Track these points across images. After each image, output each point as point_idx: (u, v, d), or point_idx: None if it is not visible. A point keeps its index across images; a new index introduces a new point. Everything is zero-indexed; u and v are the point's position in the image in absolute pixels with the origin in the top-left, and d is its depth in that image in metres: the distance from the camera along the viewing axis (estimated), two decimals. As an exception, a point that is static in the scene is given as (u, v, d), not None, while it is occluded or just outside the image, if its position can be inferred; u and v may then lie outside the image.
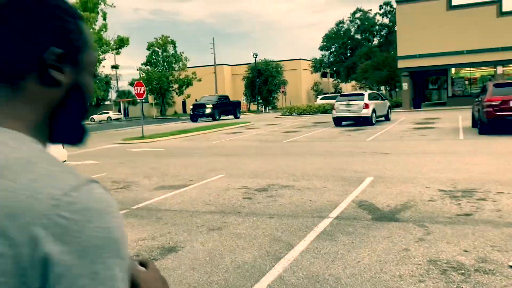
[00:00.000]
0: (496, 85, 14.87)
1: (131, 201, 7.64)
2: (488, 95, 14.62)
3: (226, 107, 39.28)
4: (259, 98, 57.53)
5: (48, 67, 0.71)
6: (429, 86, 45.63)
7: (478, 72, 35.41)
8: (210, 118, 37.16)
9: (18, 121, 0.70)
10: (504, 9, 31.70)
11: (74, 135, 0.79)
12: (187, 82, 54.67)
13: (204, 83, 60.37)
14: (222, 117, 38.30)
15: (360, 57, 51.72)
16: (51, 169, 0.65)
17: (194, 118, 37.23)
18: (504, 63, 31.82)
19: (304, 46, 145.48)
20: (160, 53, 55.16)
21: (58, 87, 0.73)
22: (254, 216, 6.22)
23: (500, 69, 31.94)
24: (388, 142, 14.30)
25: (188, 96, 56.63)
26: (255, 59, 55.50)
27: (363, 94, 22.21)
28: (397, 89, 48.06)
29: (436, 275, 3.90)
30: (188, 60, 56.47)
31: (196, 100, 40.37)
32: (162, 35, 55.48)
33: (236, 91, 68.51)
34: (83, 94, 0.78)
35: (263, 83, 57.23)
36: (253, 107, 61.25)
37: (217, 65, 62.61)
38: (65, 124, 0.77)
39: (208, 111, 36.99)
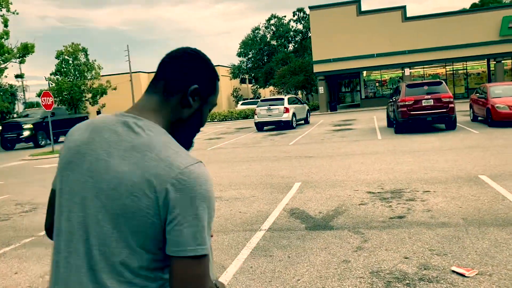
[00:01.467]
0: (409, 86, 15.51)
1: (37, 227, 6.73)
2: (402, 95, 15.21)
3: (62, 125, 24.46)
4: (178, 106, 56.30)
5: (188, 94, 1.26)
6: (342, 89, 47.50)
7: (387, 74, 37.34)
8: (31, 143, 24.83)
9: (161, 120, 1.22)
10: (408, 14, 33.73)
11: (185, 145, 1.30)
12: (101, 91, 52.16)
13: (120, 91, 57.89)
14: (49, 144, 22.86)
15: (277, 63, 52.53)
16: (177, 151, 1.15)
17: (7, 144, 24.49)
18: (410, 65, 33.79)
19: (221, 53, 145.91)
20: (70, 62, 52.11)
21: (189, 108, 1.27)
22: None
23: (407, 71, 33.89)
24: (310, 145, 14.33)
25: (103, 105, 54.07)
26: (173, 66, 54.35)
27: (283, 99, 22.31)
28: (313, 93, 49.45)
29: (381, 288, 3.64)
30: (102, 68, 53.80)
31: (50, 115, 20.93)
32: (72, 43, 52.48)
33: (154, 99, 66.63)
34: (201, 119, 1.33)
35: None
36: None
37: (133, 72, 60.44)
38: (183, 134, 1.30)
39: (26, 133, 23.98)
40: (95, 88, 52.92)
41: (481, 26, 31.78)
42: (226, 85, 68.47)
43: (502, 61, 32.59)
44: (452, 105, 14.69)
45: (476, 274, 3.72)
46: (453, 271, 3.81)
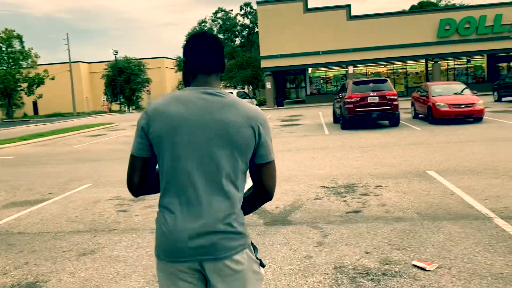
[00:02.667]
0: (356, 83, 15.87)
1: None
2: (348, 92, 15.54)
3: None
4: (121, 97, 54.62)
5: (224, 68, 1.88)
6: (288, 85, 48.02)
7: (332, 72, 38.16)
8: None
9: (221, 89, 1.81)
10: (353, 13, 34.59)
11: None
12: (38, 81, 49.57)
13: (58, 82, 55.27)
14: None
15: (224, 57, 52.22)
16: (249, 104, 1.82)
17: None
18: (354, 63, 34.73)
19: (167, 45, 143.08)
20: (4, 49, 49.07)
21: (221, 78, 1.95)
22: (133, 233, 5.42)
23: (351, 69, 34.80)
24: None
25: (40, 96, 51.41)
26: (116, 57, 52.54)
27: (231, 93, 22.11)
28: (259, 88, 49.64)
29: (346, 284, 3.62)
30: (39, 57, 51.25)
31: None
32: (6, 29, 49.44)
33: (95, 90, 64.26)
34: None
35: (125, 81, 54.46)
36: (115, 107, 58.04)
37: (72, 62, 57.83)
38: None
39: None
40: (31, 78, 50.22)
41: (420, 27, 33.19)
42: (171, 78, 67.26)
43: (439, 62, 34.25)
44: (396, 103, 15.20)
45: (436, 268, 3.79)
46: (414, 265, 3.87)
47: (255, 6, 57.31)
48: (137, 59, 56.99)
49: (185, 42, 1.88)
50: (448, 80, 35.49)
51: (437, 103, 15.28)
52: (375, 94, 15.19)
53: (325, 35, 34.09)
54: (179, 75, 66.58)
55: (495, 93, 24.70)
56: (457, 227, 4.79)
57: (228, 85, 46.66)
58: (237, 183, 1.76)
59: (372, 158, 9.53)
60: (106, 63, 57.15)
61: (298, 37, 34.29)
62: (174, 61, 64.82)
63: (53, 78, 50.18)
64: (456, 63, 36.67)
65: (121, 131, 22.58)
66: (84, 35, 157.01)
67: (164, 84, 64.93)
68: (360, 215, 5.49)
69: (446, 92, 16.30)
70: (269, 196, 1.85)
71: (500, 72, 36.33)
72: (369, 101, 15.15)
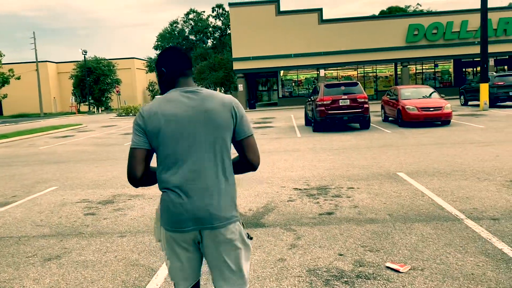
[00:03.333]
0: (327, 86, 15.99)
1: None
2: (320, 95, 15.64)
3: None
4: (90, 98, 53.49)
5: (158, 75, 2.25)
6: (260, 88, 48.07)
7: (304, 75, 38.42)
8: None
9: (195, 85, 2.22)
10: (324, 17, 34.92)
11: None
12: (3, 80, 47.98)
13: (25, 82, 53.76)
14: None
15: (195, 58, 51.89)
16: (223, 94, 2.15)
17: None
18: (325, 66, 35.05)
19: (137, 45, 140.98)
20: (-35, 46, 47.26)
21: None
22: (101, 236, 5.24)
23: (322, 72, 35.11)
24: (233, 142, 14.21)
25: (5, 96, 49.77)
26: (85, 56, 51.46)
27: (203, 94, 21.99)
28: (232, 90, 49.53)
29: (320, 287, 3.58)
30: (3, 55, 49.60)
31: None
32: (-32, 26, 47.68)
33: (63, 91, 62.76)
34: None
35: (94, 82, 53.37)
36: (84, 108, 56.80)
37: (39, 62, 56.31)
38: None
39: None
40: (-4, 77, 48.53)
41: (390, 32, 33.81)
42: (141, 79, 66.36)
43: (408, 66, 34.96)
44: (367, 106, 15.38)
45: (409, 270, 3.80)
46: (388, 267, 3.86)
47: (227, 8, 57.20)
48: (106, 59, 55.98)
49: (159, 57, 2.22)
50: (416, 84, 36.26)
51: (407, 106, 15.55)
52: (346, 97, 15.33)
53: (297, 38, 34.31)
54: (150, 76, 65.79)
55: (462, 97, 25.37)
56: (429, 228, 4.83)
57: (200, 86, 46.45)
58: (225, 159, 2.10)
59: (344, 160, 9.58)
60: (74, 63, 55.90)
61: (270, 40, 34.38)
62: (144, 62, 63.99)
63: (18, 78, 48.72)
64: (424, 67, 37.53)
65: (90, 132, 22.07)
66: (52, 34, 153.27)
67: (134, 85, 63.98)
68: (333, 216, 5.48)
69: (415, 96, 16.62)
70: (253, 167, 2.20)
71: (466, 76, 37.40)
72: (340, 104, 15.29)
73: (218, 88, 48.97)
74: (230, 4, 35.58)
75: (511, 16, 33.31)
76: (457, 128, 14.35)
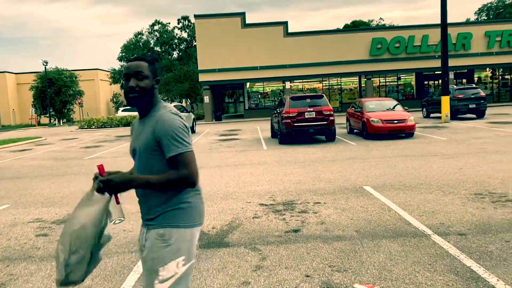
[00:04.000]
0: (293, 98, 15.96)
1: None
2: (286, 107, 15.58)
3: None
4: (51, 110, 51.89)
5: (157, 83, 2.38)
6: (226, 100, 47.94)
7: (270, 87, 38.56)
8: None
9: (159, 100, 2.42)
10: (290, 30, 35.23)
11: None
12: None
13: (-20, 93, 51.57)
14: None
15: (161, 70, 51.33)
16: (162, 114, 2.26)
17: None
18: (291, 79, 35.29)
19: (101, 57, 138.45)
20: None
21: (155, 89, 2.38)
22: (54, 260, 4.87)
23: (288, 84, 35.32)
24: (198, 155, 13.93)
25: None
26: (45, 67, 49.99)
27: (167, 107, 21.60)
28: (197, 102, 49.16)
29: (286, 313, 3.37)
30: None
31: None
32: None
33: (23, 102, 60.70)
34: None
35: (56, 93, 51.84)
36: (45, 120, 55.04)
37: (-3, 72, 54.30)
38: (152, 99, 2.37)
39: None
40: (-51, 88, 46.47)
41: (354, 45, 34.43)
42: (105, 90, 65.04)
43: (372, 78, 35.63)
44: (332, 118, 15.42)
45: (378, 291, 3.65)
46: (356, 289, 3.70)
47: (193, 20, 57.03)
48: (68, 70, 54.55)
49: (157, 64, 2.39)
50: (380, 96, 36.98)
51: (371, 119, 15.69)
52: (312, 109, 15.34)
53: (263, 51, 34.44)
54: (114, 87, 64.57)
55: (424, 110, 25.96)
56: (397, 245, 4.72)
57: (165, 98, 45.79)
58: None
59: (310, 174, 9.47)
60: (35, 74, 54.21)
61: (236, 52, 34.37)
62: (108, 73, 62.80)
63: (-26, 89, 46.77)
64: (387, 80, 38.33)
65: (49, 145, 21.26)
66: (10, 44, 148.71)
67: (98, 96, 62.61)
68: (299, 234, 5.30)
69: (379, 108, 16.82)
70: (187, 182, 2.20)
71: (428, 89, 38.43)
72: (306, 116, 15.27)
73: (183, 100, 48.51)
74: (196, 16, 35.42)
75: (468, 31, 34.53)
76: (421, 140, 14.55)
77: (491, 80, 38.48)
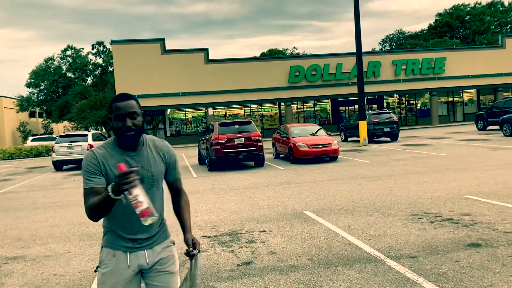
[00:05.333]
0: (221, 125, 15.81)
1: None
2: (215, 133, 15.38)
3: None
4: None
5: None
6: (144, 126, 46.69)
7: (192, 113, 38.19)
8: None
9: None
10: (210, 57, 35.38)
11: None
12: None
13: None
14: None
15: (74, 96, 48.86)
16: (160, 141, 2.56)
17: None
18: (213, 105, 35.25)
19: (6, 83, 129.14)
20: None
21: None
22: (-27, 317, 4.17)
23: (210, 111, 35.22)
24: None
25: None
26: None
27: (86, 135, 20.46)
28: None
29: None
30: None
31: None
32: None
33: None
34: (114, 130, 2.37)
35: (-47, 123, 47.17)
36: None
37: None
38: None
39: None
40: None
41: (274, 73, 35.34)
42: (10, 119, 60.49)
43: (291, 105, 36.66)
44: (261, 144, 15.47)
45: (350, 323, 3.50)
46: (328, 323, 3.53)
47: (108, 45, 55.32)
48: (-32, 97, 50.06)
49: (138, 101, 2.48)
50: (299, 121, 38.12)
51: (298, 144, 15.97)
52: (241, 135, 15.28)
53: (184, 77, 34.15)
54: (21, 115, 60.32)
55: (342, 134, 27.09)
56: (354, 272, 4.65)
57: (79, 126, 43.53)
58: None
59: (247, 201, 9.29)
60: None
61: (156, 78, 33.73)
62: (14, 100, 58.63)
63: None
64: (305, 106, 39.69)
65: None
66: None
67: (2, 126, 57.98)
68: (252, 267, 5.06)
69: (304, 133, 17.21)
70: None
71: (342, 114, 40.33)
72: (235, 142, 15.17)
73: (99, 128, 46.46)
74: (113, 41, 34.37)
75: (378, 60, 36.97)
76: (345, 164, 15.03)
77: (398, 105, 41.36)
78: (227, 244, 6.07)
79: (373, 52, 39.55)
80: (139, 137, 2.33)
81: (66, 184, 14.60)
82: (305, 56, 38.35)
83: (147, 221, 2.05)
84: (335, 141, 16.25)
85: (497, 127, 25.87)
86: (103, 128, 46.08)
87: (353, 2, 22.93)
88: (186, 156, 23.09)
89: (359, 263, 4.92)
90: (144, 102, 33.70)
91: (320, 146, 15.88)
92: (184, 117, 38.15)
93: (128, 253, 2.37)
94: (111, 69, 54.74)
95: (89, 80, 58.35)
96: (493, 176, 10.29)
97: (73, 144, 19.66)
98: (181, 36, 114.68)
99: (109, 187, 2.04)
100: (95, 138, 20.80)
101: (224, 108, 37.66)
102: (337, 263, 4.98)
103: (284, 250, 5.61)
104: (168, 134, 37.59)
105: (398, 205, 7.85)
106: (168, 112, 37.51)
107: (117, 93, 33.91)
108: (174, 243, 2.59)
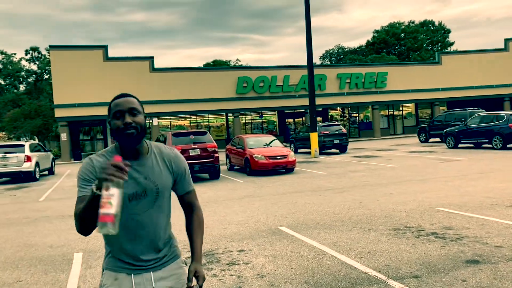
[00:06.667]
0: (175, 135, 15.07)
1: None
2: (168, 144, 14.60)
3: None
4: None
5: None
6: (82, 137, 44.45)
7: (135, 123, 36.71)
8: None
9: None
10: (156, 65, 34.31)
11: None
12: None
13: None
14: None
15: (5, 104, 45.70)
16: (168, 148, 2.25)
17: None
18: (159, 115, 34.09)
19: None
20: None
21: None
22: None
23: (155, 121, 34.04)
24: (69, 201, 12.09)
25: None
26: None
27: (23, 145, 18.85)
28: (51, 140, 44.69)
29: None
30: None
31: None
32: None
33: None
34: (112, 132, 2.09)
35: None
36: None
37: None
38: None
39: None
40: None
41: (221, 83, 34.84)
42: None
43: (239, 116, 36.30)
44: (217, 155, 14.89)
45: None
46: None
47: (44, 51, 52.44)
48: None
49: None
50: (246, 133, 37.81)
51: (255, 155, 15.54)
52: (196, 146, 14.63)
53: (128, 86, 32.77)
54: None
55: (292, 145, 27.02)
56: (360, 296, 4.22)
57: (11, 136, 40.61)
58: None
59: (213, 216, 8.68)
60: None
61: (98, 86, 32.13)
62: None
63: None
64: (252, 117, 39.48)
65: None
66: None
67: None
68: (243, 293, 4.50)
69: (259, 144, 16.83)
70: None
71: (288, 126, 40.53)
72: (190, 154, 14.48)
73: (33, 138, 43.67)
74: (51, 47, 32.42)
75: (323, 73, 37.56)
76: (303, 175, 14.77)
77: (341, 118, 42.23)
78: (206, 266, 5.46)
79: (319, 66, 40.18)
80: (141, 138, 2.07)
81: (2, 200, 13.21)
82: (253, 68, 38.13)
83: (103, 229, 1.73)
84: (292, 153, 15.99)
85: (438, 139, 26.96)
86: (36, 138, 43.39)
87: (305, 16, 23.05)
88: (133, 168, 21.95)
89: (360, 285, 4.50)
90: (84, 112, 32.01)
91: (278, 157, 15.55)
92: (127, 128, 36.60)
93: (132, 275, 2.10)
94: (46, 76, 51.87)
95: (22, 87, 55.02)
96: (455, 188, 10.38)
97: (7, 155, 18.02)
98: (119, 45, 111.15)
99: (93, 185, 1.79)
100: (33, 149, 19.23)
101: (170, 119, 36.61)
102: (338, 286, 4.53)
103: (273, 272, 5.09)
104: (108, 145, 35.88)
105: (375, 219, 7.58)
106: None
107: (55, 101, 31.98)
108: (186, 263, 2.30)
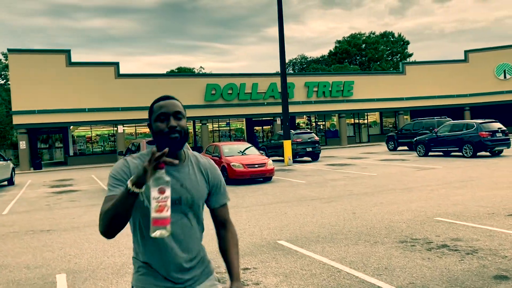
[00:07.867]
0: (150, 143, 14.36)
1: None
2: (142, 153, 13.90)
3: None
4: None
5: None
6: (40, 145, 42.52)
7: (99, 131, 35.44)
8: None
9: None
10: (121, 71, 33.24)
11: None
12: None
13: None
14: None
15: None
16: (204, 158, 2.16)
17: None
18: (123, 122, 32.97)
19: None
20: None
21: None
22: None
23: (121, 128, 32.89)
24: (36, 214, 11.20)
25: None
26: None
27: (-20, 154, 17.58)
28: (6, 148, 42.50)
29: None
30: None
31: None
32: None
33: None
34: (153, 133, 2.02)
35: None
36: None
37: None
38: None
39: None
40: None
41: (189, 90, 34.16)
42: None
43: (207, 123, 35.66)
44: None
45: None
46: None
47: (0, 56, 50.01)
48: None
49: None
50: (213, 141, 37.22)
51: (233, 164, 15.06)
52: (172, 155, 13.97)
53: (92, 92, 31.57)
54: None
55: (264, 153, 26.66)
56: (399, 321, 3.83)
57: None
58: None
59: (205, 231, 8.11)
60: None
61: (60, 92, 30.74)
62: None
63: None
64: (220, 125, 38.93)
65: None
66: None
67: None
68: (266, 320, 4.02)
69: (235, 153, 16.37)
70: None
71: (256, 134, 40.22)
72: (166, 163, 13.81)
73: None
74: (10, 50, 30.81)
75: (292, 81, 37.48)
76: (283, 184, 14.40)
77: (308, 126, 42.36)
78: (212, 288, 4.93)
79: (288, 74, 40.13)
80: (183, 143, 2.00)
81: (-40, 213, 12.10)
82: (222, 75, 37.61)
83: (157, 233, 1.70)
84: (270, 161, 15.62)
85: (406, 147, 27.35)
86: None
87: (278, 22, 22.86)
88: (98, 178, 20.95)
89: (394, 308, 4.12)
90: (44, 118, 30.52)
91: (256, 166, 15.13)
92: (90, 135, 35.28)
93: None
94: (2, 82, 49.50)
95: (-25, 92, 52.19)
96: (443, 197, 10.27)
97: (-37, 164, 16.73)
98: (78, 51, 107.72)
99: (129, 180, 1.69)
100: (-9, 157, 17.99)
101: (135, 126, 35.53)
102: (368, 309, 4.13)
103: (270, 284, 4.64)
104: (72, 153, 34.42)
105: (376, 231, 7.27)
106: (71, 129, 34.42)
107: (13, 107, 30.32)
108: (220, 281, 2.21)
